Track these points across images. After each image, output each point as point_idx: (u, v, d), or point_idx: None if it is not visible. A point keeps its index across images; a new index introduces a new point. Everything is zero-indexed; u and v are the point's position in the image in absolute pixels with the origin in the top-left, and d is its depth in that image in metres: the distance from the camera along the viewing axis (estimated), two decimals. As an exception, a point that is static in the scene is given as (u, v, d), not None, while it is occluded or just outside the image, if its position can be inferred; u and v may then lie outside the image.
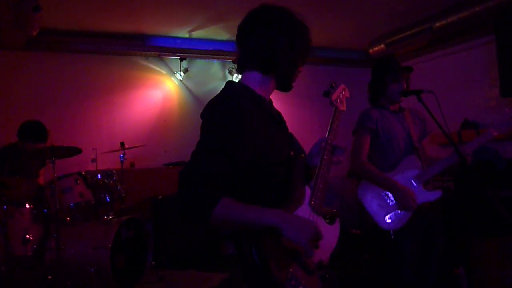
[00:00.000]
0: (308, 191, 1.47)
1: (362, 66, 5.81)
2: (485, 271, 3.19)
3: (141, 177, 4.98)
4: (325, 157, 1.50)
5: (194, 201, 1.22)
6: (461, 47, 5.04)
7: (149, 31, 5.17)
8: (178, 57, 5.47)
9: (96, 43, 5.04)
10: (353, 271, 4.17)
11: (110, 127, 5.19)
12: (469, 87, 4.98)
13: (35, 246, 3.34)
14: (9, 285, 3.14)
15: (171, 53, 5.41)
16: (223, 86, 1.48)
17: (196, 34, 5.28)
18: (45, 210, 3.50)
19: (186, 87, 5.66)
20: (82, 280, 3.30)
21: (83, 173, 3.78)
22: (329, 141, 1.53)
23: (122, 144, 4.35)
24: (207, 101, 1.41)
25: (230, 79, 1.67)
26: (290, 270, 1.28)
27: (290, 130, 1.60)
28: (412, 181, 2.46)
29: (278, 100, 1.58)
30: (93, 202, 3.72)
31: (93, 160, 4.34)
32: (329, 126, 1.57)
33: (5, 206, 3.20)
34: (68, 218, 3.63)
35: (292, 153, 1.48)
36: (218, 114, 1.34)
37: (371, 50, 5.73)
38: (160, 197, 4.81)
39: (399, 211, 2.40)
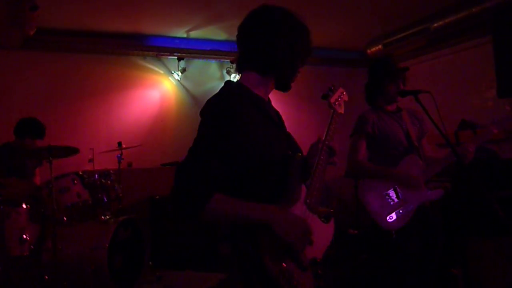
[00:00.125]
0: (305, 190, 1.48)
1: (360, 67, 5.82)
2: (481, 271, 3.20)
3: (139, 177, 4.99)
4: (322, 158, 1.51)
5: (187, 196, 1.24)
6: (459, 48, 5.05)
7: (147, 30, 5.17)
8: (176, 57, 5.46)
9: (94, 42, 5.03)
10: (351, 272, 4.17)
11: (107, 127, 5.18)
12: (466, 87, 5.00)
13: (32, 246, 3.33)
14: (6, 285, 3.13)
15: (169, 53, 5.41)
16: (220, 86, 1.48)
17: (194, 34, 5.28)
18: (42, 210, 3.49)
19: (184, 87, 5.65)
20: (79, 281, 3.29)
21: (80, 173, 3.78)
22: (326, 142, 1.54)
23: (120, 144, 4.35)
24: (205, 101, 1.41)
25: (228, 79, 1.67)
26: (284, 265, 1.30)
27: (287, 130, 1.60)
28: None
29: (275, 100, 1.59)
30: (90, 202, 3.72)
31: (91, 160, 4.33)
32: (327, 128, 1.58)
33: (1, 206, 3.20)
34: (65, 218, 3.62)
35: (289, 152, 1.49)
36: (214, 113, 1.35)
37: (368, 51, 5.75)
38: (157, 197, 4.81)
39: (400, 210, 2.41)
